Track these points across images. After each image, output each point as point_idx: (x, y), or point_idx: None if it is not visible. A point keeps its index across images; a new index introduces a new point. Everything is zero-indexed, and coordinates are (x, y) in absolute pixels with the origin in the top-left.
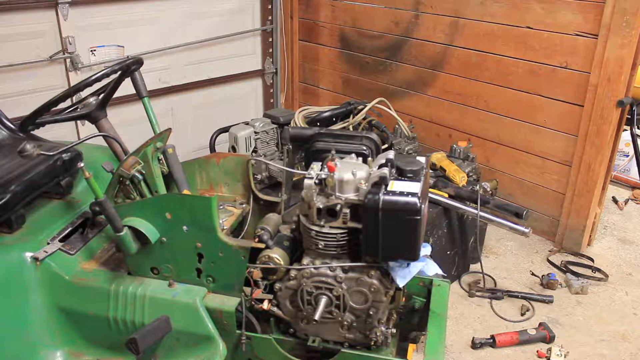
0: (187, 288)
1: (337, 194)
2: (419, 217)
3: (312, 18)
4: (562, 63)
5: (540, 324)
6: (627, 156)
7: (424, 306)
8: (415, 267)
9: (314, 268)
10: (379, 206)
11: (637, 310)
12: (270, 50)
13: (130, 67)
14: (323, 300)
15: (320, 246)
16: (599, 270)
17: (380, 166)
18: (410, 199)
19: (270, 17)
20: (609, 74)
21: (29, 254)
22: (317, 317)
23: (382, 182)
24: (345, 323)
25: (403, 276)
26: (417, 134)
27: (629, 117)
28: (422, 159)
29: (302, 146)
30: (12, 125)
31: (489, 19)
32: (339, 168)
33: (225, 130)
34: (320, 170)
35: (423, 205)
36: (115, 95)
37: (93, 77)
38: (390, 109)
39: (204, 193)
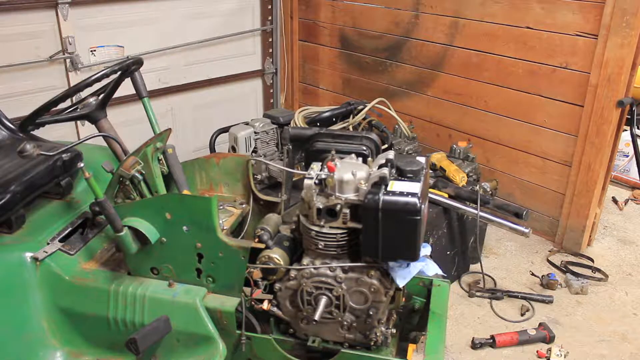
0: (187, 288)
1: (337, 194)
2: (419, 217)
3: (312, 18)
4: (562, 63)
5: (540, 324)
6: (627, 156)
7: (424, 306)
8: (415, 267)
9: (314, 268)
10: (379, 206)
11: (637, 310)
12: (270, 50)
13: (130, 68)
14: (323, 301)
15: (320, 246)
16: (598, 270)
17: (380, 166)
18: (410, 199)
19: (270, 17)
20: (609, 74)
21: (29, 254)
22: (317, 317)
23: (382, 182)
24: (345, 323)
25: (403, 276)
26: (417, 134)
27: (629, 117)
28: (422, 159)
29: (302, 146)
30: (12, 126)
31: (489, 19)
32: (338, 168)
33: (225, 130)
34: (320, 170)
35: (423, 205)
36: (115, 95)
37: (93, 77)
38: (390, 109)
39: (204, 193)
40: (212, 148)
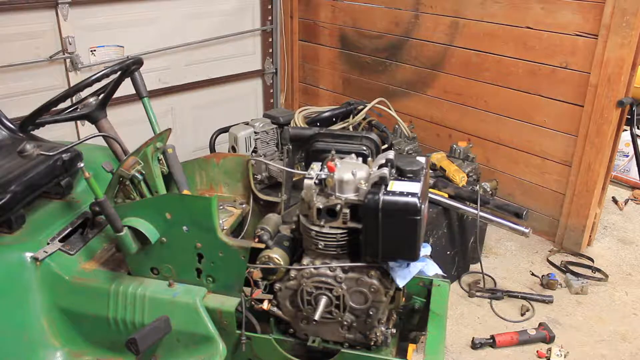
0: (187, 288)
1: (337, 194)
2: (419, 217)
3: (312, 18)
4: (562, 63)
5: (540, 324)
6: (627, 156)
7: (424, 306)
8: (415, 267)
9: (314, 268)
10: (379, 206)
11: (637, 310)
12: (270, 50)
13: (130, 67)
14: (323, 301)
15: (320, 246)
16: (598, 270)
17: (380, 166)
18: (410, 199)
19: (270, 17)
20: (609, 74)
21: (29, 254)
22: (317, 317)
23: (382, 182)
24: (345, 323)
25: (403, 276)
26: (417, 134)
27: (629, 117)
28: (422, 159)
29: (302, 146)
30: (12, 125)
31: (489, 19)
32: (338, 168)
33: (225, 130)
34: (320, 170)
35: (423, 205)
36: (115, 95)
37: (93, 77)
38: (390, 109)
39: (204, 193)
40: (212, 148)
